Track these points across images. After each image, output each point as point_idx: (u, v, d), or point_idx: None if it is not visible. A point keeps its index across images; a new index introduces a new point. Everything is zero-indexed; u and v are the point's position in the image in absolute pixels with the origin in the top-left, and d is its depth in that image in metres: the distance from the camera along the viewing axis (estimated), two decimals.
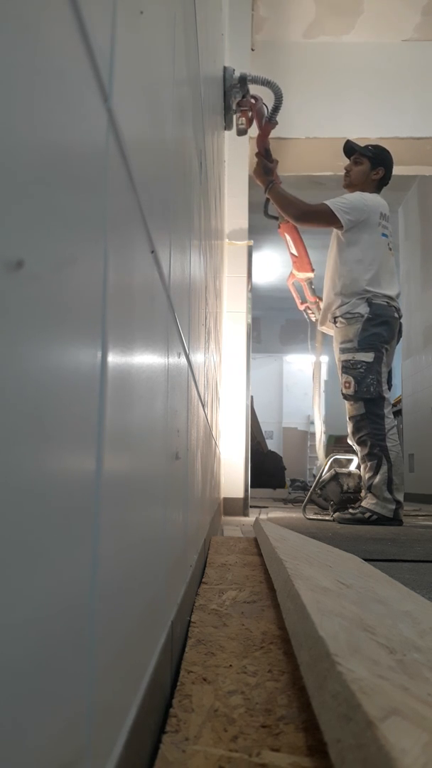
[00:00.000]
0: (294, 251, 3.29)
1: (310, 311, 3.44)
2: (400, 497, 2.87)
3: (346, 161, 3.19)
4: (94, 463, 0.26)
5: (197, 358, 1.00)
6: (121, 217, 0.32)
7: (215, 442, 2.03)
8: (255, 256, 4.63)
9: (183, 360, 0.69)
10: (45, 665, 0.20)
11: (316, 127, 3.89)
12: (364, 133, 3.87)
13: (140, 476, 0.39)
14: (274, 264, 7.21)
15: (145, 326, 0.41)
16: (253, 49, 3.86)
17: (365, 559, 1.22)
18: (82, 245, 0.25)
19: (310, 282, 3.38)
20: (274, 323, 10.32)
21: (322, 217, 2.97)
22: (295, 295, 3.48)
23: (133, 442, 0.36)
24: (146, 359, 0.41)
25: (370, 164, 3.10)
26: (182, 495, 0.71)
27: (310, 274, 3.35)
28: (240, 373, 3.19)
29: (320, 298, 3.35)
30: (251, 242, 3.37)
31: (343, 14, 3.78)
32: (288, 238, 3.26)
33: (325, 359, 9.33)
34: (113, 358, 0.30)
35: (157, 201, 0.47)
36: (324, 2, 3.69)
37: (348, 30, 3.91)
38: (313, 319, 3.44)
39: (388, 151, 3.15)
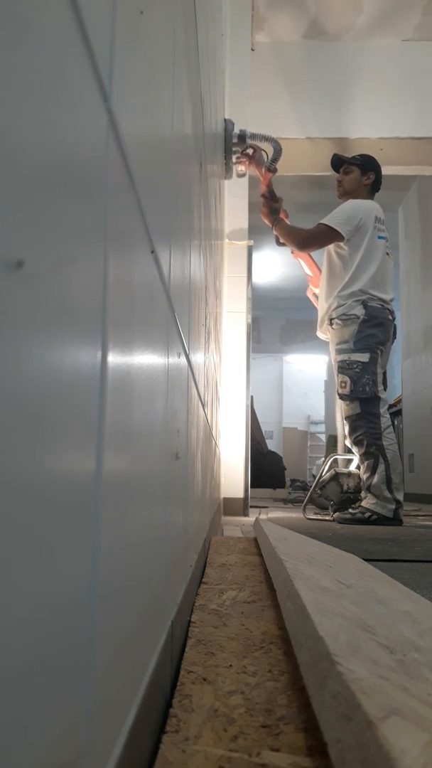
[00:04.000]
0: (308, 272, 3.52)
1: None
2: (400, 497, 2.88)
3: None
4: (94, 463, 0.26)
5: (197, 358, 1.00)
6: (121, 217, 0.32)
7: (215, 442, 2.03)
8: (255, 256, 4.63)
9: (183, 360, 0.69)
10: (45, 664, 0.20)
11: (316, 127, 3.89)
12: (364, 133, 3.87)
13: (140, 476, 0.39)
14: (274, 264, 7.21)
15: (145, 326, 0.41)
16: (253, 49, 3.86)
17: (365, 559, 1.22)
18: (82, 245, 0.25)
19: None
20: (274, 323, 10.33)
21: (322, 237, 3.08)
22: (314, 301, 3.70)
23: (133, 442, 0.36)
24: (146, 359, 0.41)
25: (360, 171, 3.18)
26: (182, 495, 0.71)
27: None
28: (240, 373, 3.20)
29: None
30: (251, 242, 3.41)
31: (343, 14, 3.78)
32: (301, 261, 3.48)
33: (324, 359, 9.36)
34: (113, 358, 0.30)
35: (157, 201, 0.47)
36: (324, 2, 3.69)
37: (348, 30, 3.91)
38: None
39: (374, 158, 3.25)
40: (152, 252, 0.43)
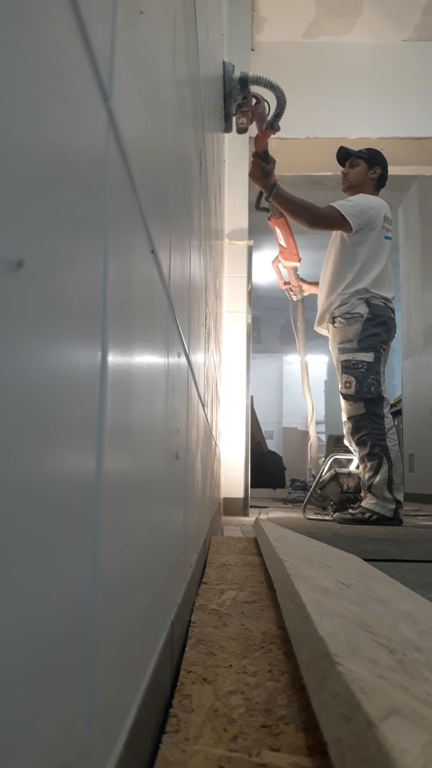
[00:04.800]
0: (283, 243, 3.30)
1: (291, 292, 3.53)
2: (400, 497, 2.88)
3: None
4: (94, 463, 0.26)
5: (197, 358, 1.00)
6: (121, 217, 0.32)
7: (215, 442, 2.03)
8: (255, 256, 4.62)
9: (183, 360, 0.69)
10: (45, 664, 0.20)
11: (316, 127, 3.89)
12: (364, 134, 3.87)
13: (140, 476, 0.39)
14: None
15: (145, 326, 0.41)
16: (253, 49, 3.86)
17: (365, 559, 1.23)
18: (82, 245, 0.25)
19: (295, 269, 3.45)
20: (274, 323, 10.32)
21: (332, 221, 2.98)
22: (278, 275, 3.55)
23: (133, 442, 0.36)
24: (146, 359, 0.41)
25: (367, 164, 3.13)
26: (182, 495, 0.71)
27: (297, 264, 3.40)
28: (240, 373, 3.20)
29: (304, 281, 3.45)
30: (251, 242, 3.39)
31: (343, 14, 3.78)
32: (278, 231, 3.25)
33: (324, 359, 9.37)
34: (113, 358, 0.30)
35: (157, 201, 0.47)
36: (324, 2, 3.69)
37: (348, 30, 3.91)
38: (294, 299, 3.54)
39: (381, 152, 3.19)
40: (152, 252, 0.43)
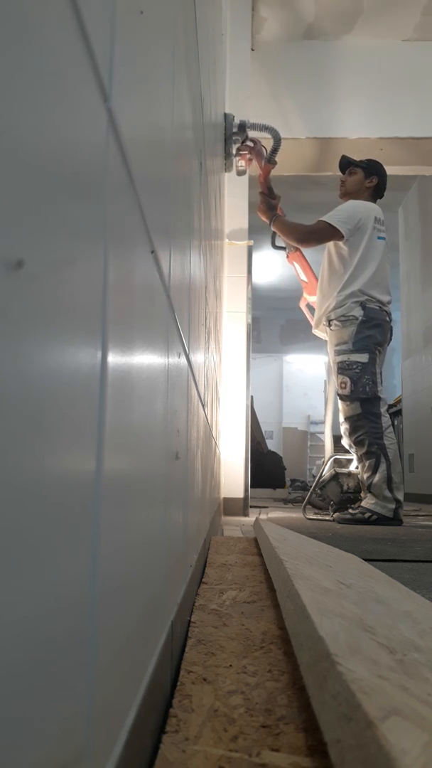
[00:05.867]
0: (304, 278, 3.47)
1: None
2: (400, 496, 2.88)
3: None
4: (94, 463, 0.26)
5: (197, 358, 1.00)
6: (120, 217, 0.32)
7: (215, 442, 2.03)
8: (255, 256, 4.62)
9: (183, 360, 0.69)
10: (45, 664, 0.20)
11: (316, 127, 3.89)
12: (364, 133, 3.87)
13: (140, 476, 0.39)
14: (274, 264, 7.21)
15: (145, 326, 0.41)
16: (253, 49, 3.86)
17: (365, 559, 1.23)
18: (82, 245, 0.25)
19: None
20: (274, 323, 10.33)
21: (323, 234, 3.09)
22: (308, 315, 3.60)
23: (133, 442, 0.36)
24: (146, 359, 0.41)
25: (364, 173, 3.22)
26: (182, 495, 0.71)
27: None
28: (240, 373, 3.20)
29: None
30: (251, 242, 3.41)
31: (343, 14, 3.78)
32: (297, 265, 3.45)
33: (324, 359, 9.38)
34: (113, 358, 0.30)
35: (157, 201, 0.47)
36: (324, 2, 3.69)
37: (348, 30, 3.91)
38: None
39: (381, 164, 3.28)
40: (152, 252, 0.43)
